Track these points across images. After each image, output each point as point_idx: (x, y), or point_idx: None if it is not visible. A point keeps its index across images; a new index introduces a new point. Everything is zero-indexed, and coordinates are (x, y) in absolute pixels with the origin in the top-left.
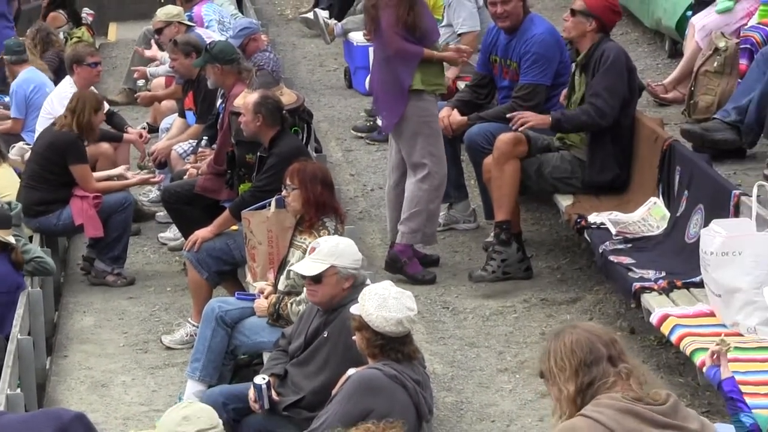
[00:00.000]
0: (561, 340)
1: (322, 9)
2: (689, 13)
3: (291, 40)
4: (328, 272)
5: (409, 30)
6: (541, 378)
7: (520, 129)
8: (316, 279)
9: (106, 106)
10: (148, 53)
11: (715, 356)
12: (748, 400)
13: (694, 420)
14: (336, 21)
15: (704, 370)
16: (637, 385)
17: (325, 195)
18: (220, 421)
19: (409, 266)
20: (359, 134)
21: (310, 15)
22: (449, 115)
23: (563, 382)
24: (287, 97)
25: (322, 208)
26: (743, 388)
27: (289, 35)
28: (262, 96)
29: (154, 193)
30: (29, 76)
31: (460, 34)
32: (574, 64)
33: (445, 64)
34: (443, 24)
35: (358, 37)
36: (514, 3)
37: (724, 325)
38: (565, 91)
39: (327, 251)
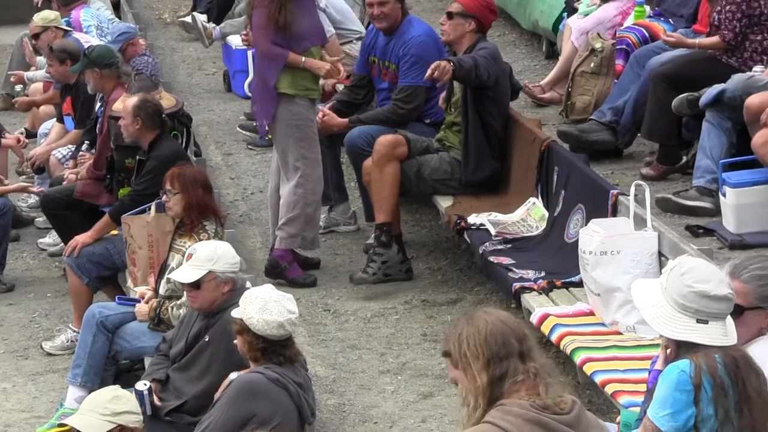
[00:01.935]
0: (475, 327)
1: (201, 12)
2: (565, 14)
3: (170, 43)
4: (207, 277)
5: (279, 30)
6: (445, 357)
7: (443, 81)
8: (195, 285)
9: None
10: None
11: None
12: (628, 398)
13: (595, 427)
14: (214, 24)
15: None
16: (544, 389)
17: (206, 198)
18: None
19: (288, 271)
20: (245, 132)
21: (189, 19)
22: (324, 116)
23: (477, 372)
24: (166, 101)
25: (203, 211)
26: (623, 387)
27: (167, 39)
28: (141, 100)
29: (33, 198)
30: None
31: None
32: None
33: None
34: None
35: (236, 41)
36: (391, 5)
37: (603, 324)
38: (443, 95)
39: (204, 257)
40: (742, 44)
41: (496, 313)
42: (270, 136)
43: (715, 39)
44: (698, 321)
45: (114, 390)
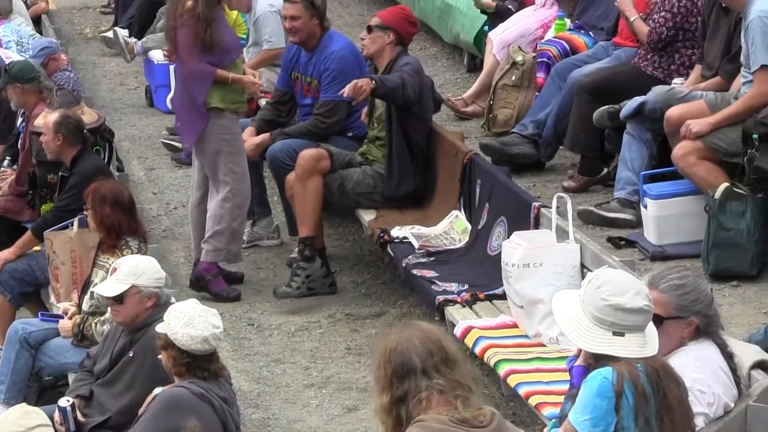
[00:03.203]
0: (384, 346)
1: (122, 28)
2: (486, 27)
3: (91, 59)
4: (130, 292)
5: (206, 48)
6: None
7: (359, 100)
8: (118, 299)
9: None
10: None
11: None
12: (551, 409)
13: None
14: (136, 39)
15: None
16: (461, 403)
17: (116, 216)
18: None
19: (213, 284)
20: (172, 143)
21: (110, 34)
22: (250, 138)
23: (379, 391)
24: (88, 116)
25: (114, 230)
26: (547, 398)
27: (89, 54)
28: (62, 115)
29: None
30: None
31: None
32: None
33: None
34: (249, 44)
35: (158, 56)
36: (304, 20)
37: (527, 336)
38: (365, 109)
39: (128, 271)
40: (671, 56)
41: (409, 328)
42: None
43: (646, 29)
44: (614, 333)
45: (22, 407)
